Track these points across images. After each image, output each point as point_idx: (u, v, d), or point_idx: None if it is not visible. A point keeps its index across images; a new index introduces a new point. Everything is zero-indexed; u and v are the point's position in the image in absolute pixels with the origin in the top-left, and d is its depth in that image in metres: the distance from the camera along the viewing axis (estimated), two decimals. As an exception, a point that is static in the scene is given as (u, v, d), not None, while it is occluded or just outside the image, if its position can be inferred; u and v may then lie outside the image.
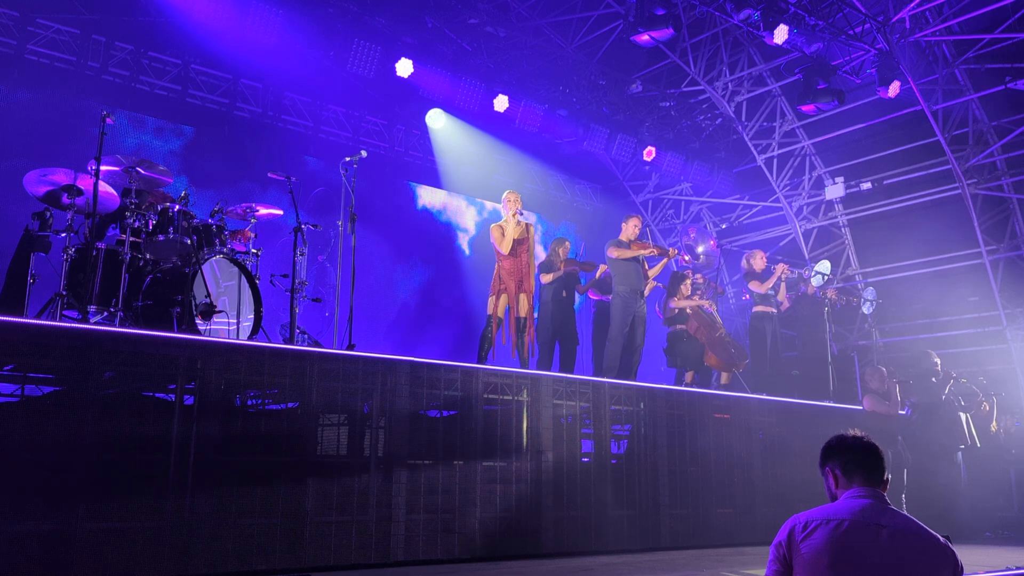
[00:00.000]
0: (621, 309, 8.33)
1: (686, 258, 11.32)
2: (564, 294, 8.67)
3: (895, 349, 12.57)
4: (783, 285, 9.95)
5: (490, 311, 7.69)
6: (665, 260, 8.89)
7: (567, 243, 8.98)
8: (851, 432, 2.93)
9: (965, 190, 11.80)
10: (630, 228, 8.56)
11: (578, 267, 8.98)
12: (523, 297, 7.67)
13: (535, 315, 7.98)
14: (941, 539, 2.67)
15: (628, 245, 8.41)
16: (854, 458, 2.81)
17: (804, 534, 2.69)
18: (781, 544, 2.74)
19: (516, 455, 6.43)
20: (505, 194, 7.88)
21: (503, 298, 7.65)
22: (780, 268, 9.85)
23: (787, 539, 2.72)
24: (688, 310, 9.28)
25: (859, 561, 2.60)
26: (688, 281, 9.51)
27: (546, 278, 8.44)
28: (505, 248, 7.62)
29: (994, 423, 10.19)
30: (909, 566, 2.60)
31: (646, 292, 9.59)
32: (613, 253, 8.39)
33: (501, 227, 7.71)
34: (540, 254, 8.28)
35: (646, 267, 8.71)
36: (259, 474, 5.12)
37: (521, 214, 7.79)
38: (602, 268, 9.15)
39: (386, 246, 12.74)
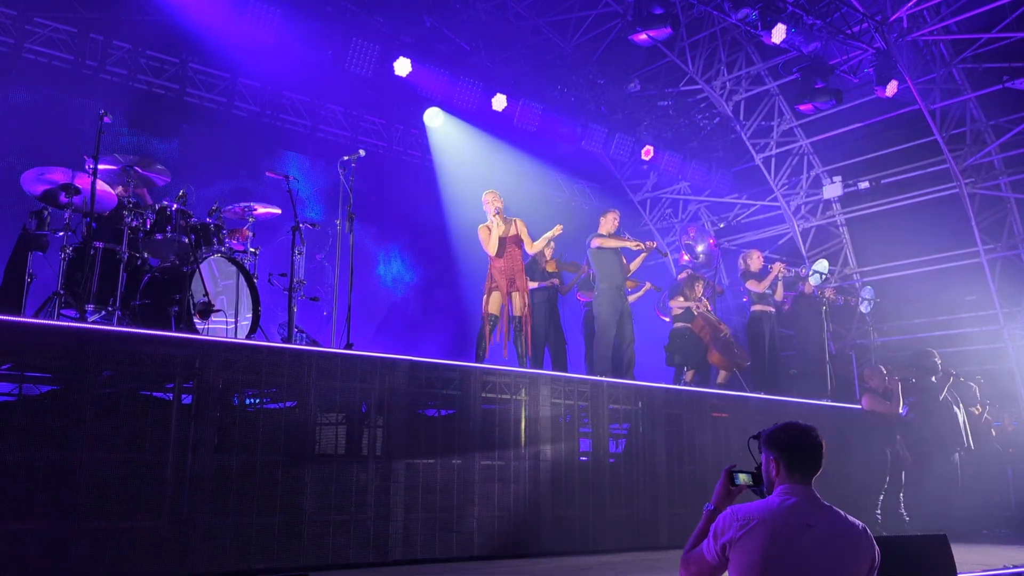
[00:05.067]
0: (608, 306, 8.32)
1: (685, 257, 11.31)
2: (549, 295, 8.68)
3: (893, 348, 12.58)
4: (780, 284, 9.94)
5: (484, 310, 7.68)
6: (644, 254, 8.87)
7: (552, 244, 8.99)
8: (800, 424, 3.06)
9: (963, 189, 11.81)
10: (609, 222, 8.58)
11: (563, 268, 8.99)
12: (516, 295, 7.65)
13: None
14: (860, 527, 2.89)
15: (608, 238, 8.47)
16: (799, 458, 2.97)
17: (743, 532, 2.83)
18: (723, 535, 2.87)
19: (514, 454, 6.43)
20: (484, 195, 7.80)
21: (495, 296, 7.63)
22: (777, 267, 9.85)
23: (729, 533, 2.85)
24: (694, 311, 9.27)
25: (790, 561, 2.76)
26: (701, 283, 9.49)
27: (531, 285, 8.42)
28: (492, 249, 7.62)
29: (988, 425, 10.22)
30: (835, 563, 2.79)
31: (641, 293, 9.61)
32: (597, 243, 8.40)
33: (488, 228, 7.69)
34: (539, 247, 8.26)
35: (624, 261, 8.73)
36: (257, 473, 5.11)
37: (501, 213, 7.73)
38: (584, 268, 9.14)
39: (384, 245, 12.75)
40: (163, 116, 10.79)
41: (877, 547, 2.90)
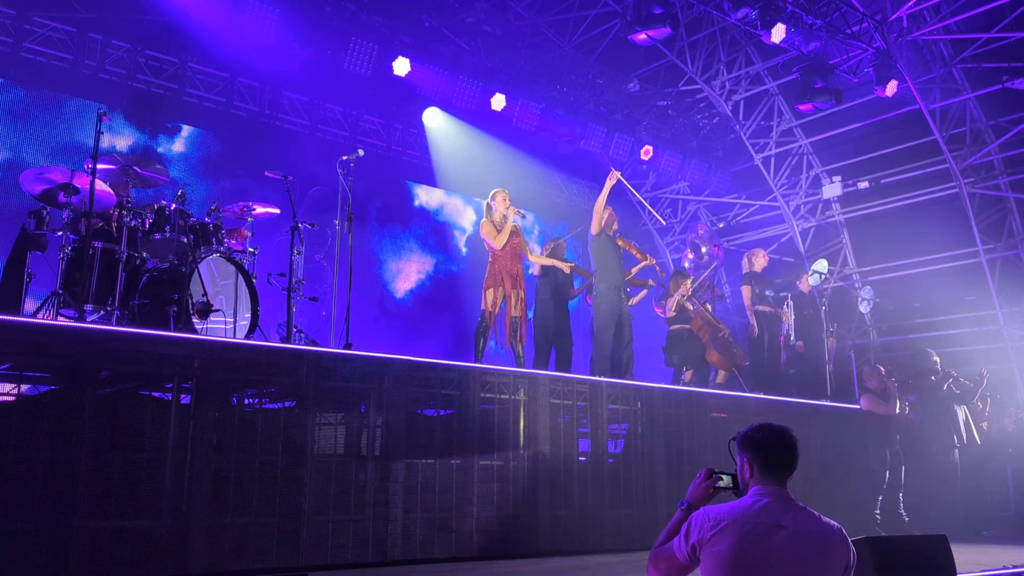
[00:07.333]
0: (606, 307, 8.30)
1: (690, 256, 11.25)
2: (554, 293, 8.64)
3: (892, 348, 12.59)
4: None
5: (484, 306, 7.66)
6: (643, 263, 8.84)
7: (563, 242, 8.96)
8: (773, 425, 3.01)
9: (962, 189, 11.81)
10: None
11: (577, 272, 8.97)
12: (515, 295, 7.64)
13: (528, 316, 7.96)
14: (835, 529, 2.84)
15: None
16: (773, 459, 2.93)
17: (713, 532, 2.81)
18: (694, 535, 2.85)
19: (513, 454, 6.43)
20: (495, 192, 7.78)
21: (499, 292, 7.62)
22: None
23: (699, 534, 2.83)
24: (690, 306, 9.24)
25: (760, 563, 2.74)
26: (690, 280, 9.48)
27: (540, 260, 8.34)
28: (500, 242, 7.59)
29: (985, 422, 10.20)
30: (805, 564, 2.75)
31: (641, 295, 9.58)
32: (596, 230, 8.34)
33: (494, 223, 7.69)
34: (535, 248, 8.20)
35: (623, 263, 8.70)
36: (256, 473, 5.11)
37: (522, 216, 7.76)
38: (594, 276, 9.09)
39: (383, 245, 12.74)
40: (162, 116, 10.79)
41: (853, 549, 2.87)
